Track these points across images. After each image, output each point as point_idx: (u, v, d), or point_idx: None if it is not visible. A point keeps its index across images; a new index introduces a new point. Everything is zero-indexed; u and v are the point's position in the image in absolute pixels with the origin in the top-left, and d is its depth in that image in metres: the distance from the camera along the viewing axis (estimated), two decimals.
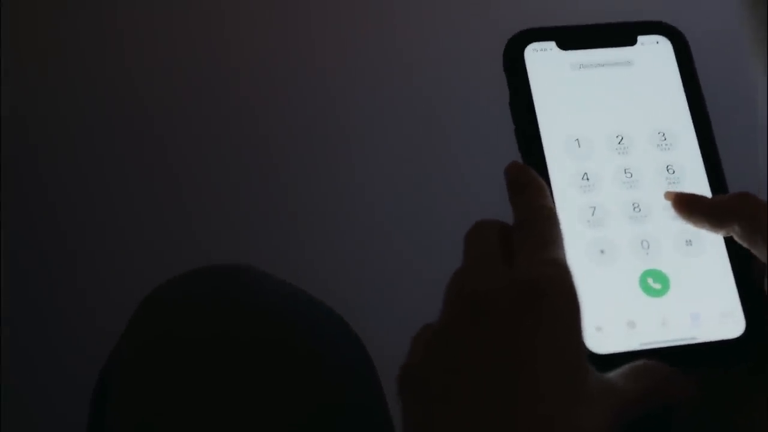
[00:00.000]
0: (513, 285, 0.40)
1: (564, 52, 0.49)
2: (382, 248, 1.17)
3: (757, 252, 0.45)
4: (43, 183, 1.17)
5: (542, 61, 0.49)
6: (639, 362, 0.42)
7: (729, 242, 0.47)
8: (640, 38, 0.50)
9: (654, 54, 0.50)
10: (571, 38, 0.50)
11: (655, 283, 0.46)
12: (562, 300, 0.40)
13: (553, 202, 0.46)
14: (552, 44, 0.50)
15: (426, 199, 1.20)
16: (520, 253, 0.42)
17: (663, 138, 0.48)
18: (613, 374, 0.42)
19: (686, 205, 0.47)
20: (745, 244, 0.46)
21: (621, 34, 0.50)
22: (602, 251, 0.46)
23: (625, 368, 0.42)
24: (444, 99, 1.21)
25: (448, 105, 1.21)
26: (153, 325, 0.59)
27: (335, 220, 1.19)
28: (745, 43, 1.24)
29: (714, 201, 0.47)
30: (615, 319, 0.44)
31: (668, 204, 0.47)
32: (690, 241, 0.47)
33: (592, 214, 0.47)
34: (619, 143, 0.48)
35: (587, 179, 0.47)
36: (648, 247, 0.46)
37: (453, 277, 0.43)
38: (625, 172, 0.48)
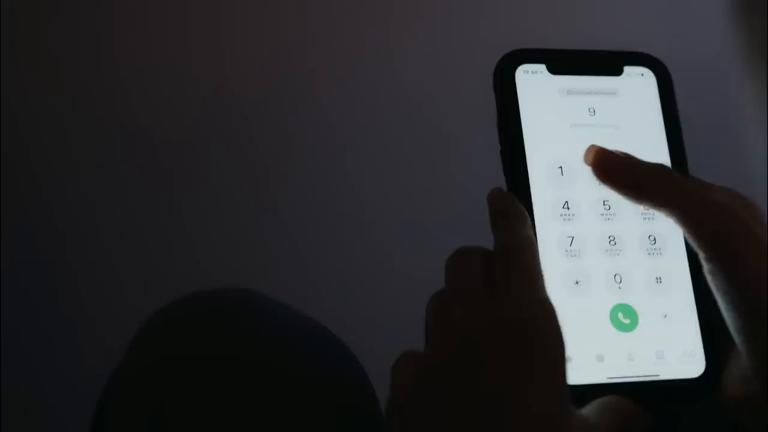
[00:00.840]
0: (504, 327, 0.41)
1: (553, 76, 0.50)
2: (380, 265, 1.18)
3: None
4: (44, 188, 1.17)
5: (532, 83, 0.49)
6: (607, 399, 0.44)
7: (696, 283, 0.48)
8: (626, 69, 0.51)
9: (638, 86, 0.51)
10: (561, 63, 0.50)
11: (624, 318, 0.47)
12: (551, 344, 0.41)
13: (534, 230, 0.46)
14: (542, 67, 0.50)
15: (425, 212, 1.20)
16: (505, 287, 0.43)
17: None
18: (586, 411, 0.43)
19: (602, 167, 0.48)
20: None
21: (608, 64, 0.51)
22: (577, 282, 0.47)
23: (596, 405, 0.43)
24: (442, 113, 1.22)
25: (445, 120, 1.22)
26: (153, 347, 0.59)
27: (334, 239, 1.19)
28: (738, 68, 1.25)
29: (630, 168, 0.47)
30: (585, 351, 0.45)
31: (642, 240, 0.48)
32: (659, 278, 0.48)
33: (570, 244, 0.47)
34: None
35: (567, 208, 0.48)
36: (620, 281, 0.47)
37: (436, 305, 0.44)
38: (604, 204, 0.48)
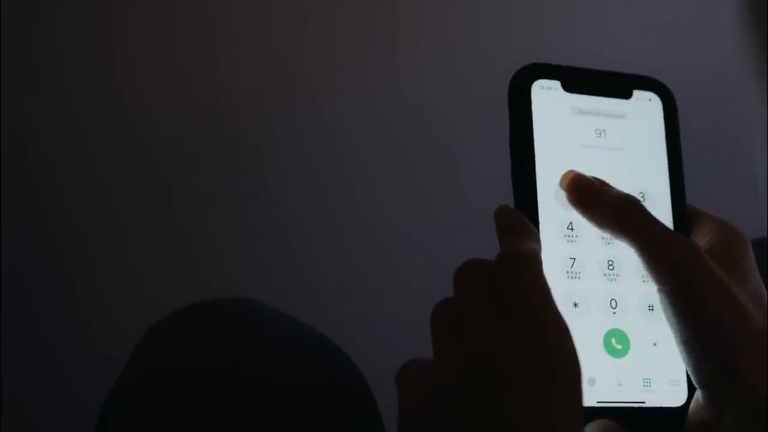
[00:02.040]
0: (522, 344, 0.41)
1: (567, 94, 0.50)
2: (380, 273, 1.18)
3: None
4: (44, 192, 1.17)
5: (547, 100, 0.49)
6: (604, 422, 0.44)
7: None
8: (635, 92, 0.51)
9: (645, 111, 0.51)
10: (575, 81, 0.50)
11: (617, 343, 0.47)
12: (569, 366, 0.41)
13: (540, 246, 0.46)
14: (557, 84, 0.50)
15: (426, 219, 1.20)
16: (516, 301, 0.42)
17: (642, 198, 0.49)
18: None
19: (575, 192, 0.48)
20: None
21: (619, 86, 0.51)
22: (576, 304, 0.47)
23: (594, 427, 0.44)
24: (446, 121, 1.22)
25: (450, 126, 1.22)
26: (154, 356, 0.60)
27: (333, 246, 1.19)
28: (746, 71, 1.25)
29: (599, 197, 0.48)
30: None
31: (637, 266, 0.48)
32: (652, 306, 0.48)
33: (572, 266, 0.48)
34: None
35: (572, 229, 0.48)
36: (615, 306, 0.48)
37: (446, 317, 0.44)
38: None
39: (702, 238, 0.49)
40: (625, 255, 0.48)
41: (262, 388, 0.57)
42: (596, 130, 0.50)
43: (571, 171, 0.48)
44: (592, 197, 0.48)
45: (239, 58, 1.20)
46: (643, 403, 0.47)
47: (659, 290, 0.45)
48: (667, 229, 0.47)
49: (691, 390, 0.47)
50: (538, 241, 0.46)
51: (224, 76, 1.20)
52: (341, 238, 1.20)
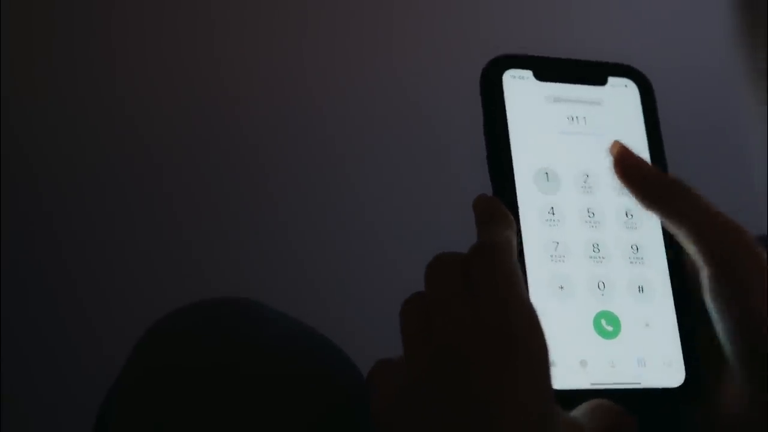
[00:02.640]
0: (486, 329, 0.41)
1: (540, 82, 0.50)
2: (380, 273, 1.18)
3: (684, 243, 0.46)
4: (44, 193, 1.18)
5: (519, 89, 0.49)
6: (596, 401, 0.44)
7: (676, 294, 0.48)
8: (611, 79, 0.51)
9: (621, 97, 0.51)
10: (548, 70, 0.50)
11: (607, 325, 0.47)
12: (535, 347, 0.41)
13: (520, 234, 0.46)
14: (529, 73, 0.50)
15: (426, 220, 1.20)
16: (483, 287, 0.42)
17: None
18: (576, 413, 0.43)
19: (623, 166, 0.48)
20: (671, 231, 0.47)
21: (593, 73, 0.51)
22: (561, 287, 0.47)
23: (585, 407, 0.43)
24: (439, 119, 1.22)
25: (442, 125, 1.22)
26: (153, 356, 0.59)
27: (333, 247, 1.19)
28: (740, 72, 1.25)
29: (649, 176, 0.48)
30: (569, 357, 0.45)
31: (624, 249, 0.48)
32: (642, 287, 0.48)
33: (555, 250, 0.47)
34: (585, 182, 0.49)
35: (553, 213, 0.48)
36: (603, 288, 0.47)
37: (415, 312, 0.43)
38: (588, 212, 0.48)
39: None
40: (610, 238, 0.48)
41: (262, 388, 0.57)
42: (572, 116, 0.50)
43: (617, 142, 0.49)
44: (641, 175, 0.48)
45: (239, 59, 1.20)
46: (638, 384, 0.46)
47: (710, 275, 0.45)
48: (721, 214, 0.46)
49: (690, 370, 0.47)
50: (513, 228, 0.46)
51: (224, 76, 1.20)
52: (341, 238, 1.20)
